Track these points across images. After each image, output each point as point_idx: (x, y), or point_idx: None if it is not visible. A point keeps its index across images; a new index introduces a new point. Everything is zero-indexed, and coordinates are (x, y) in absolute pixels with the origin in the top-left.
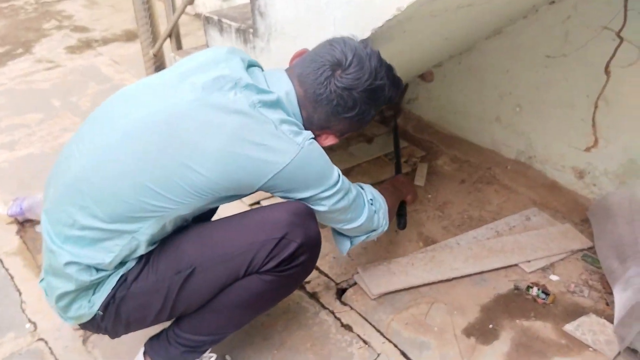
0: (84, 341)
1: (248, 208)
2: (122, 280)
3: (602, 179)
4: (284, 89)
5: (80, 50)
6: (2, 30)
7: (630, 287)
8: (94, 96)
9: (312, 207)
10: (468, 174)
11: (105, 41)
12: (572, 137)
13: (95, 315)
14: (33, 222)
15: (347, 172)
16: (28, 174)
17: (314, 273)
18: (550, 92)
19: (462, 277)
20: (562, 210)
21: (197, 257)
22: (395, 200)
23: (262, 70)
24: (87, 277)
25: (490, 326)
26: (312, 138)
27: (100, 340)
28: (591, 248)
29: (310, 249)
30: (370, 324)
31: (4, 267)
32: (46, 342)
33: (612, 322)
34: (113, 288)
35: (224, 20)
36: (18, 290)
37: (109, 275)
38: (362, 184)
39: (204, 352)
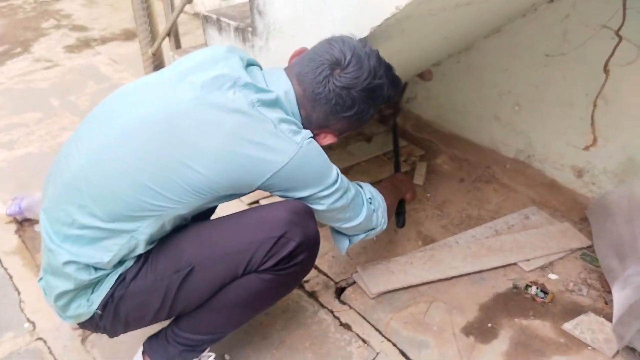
0: (83, 340)
1: (247, 207)
2: (121, 279)
3: (601, 177)
4: (283, 88)
5: (79, 50)
6: (1, 29)
7: (629, 286)
8: (93, 95)
9: (311, 206)
10: (467, 172)
11: (104, 40)
12: (571, 135)
13: (94, 314)
14: (32, 222)
15: (346, 171)
16: (27, 173)
17: (313, 272)
18: (549, 91)
19: (461, 276)
20: (561, 209)
21: (195, 256)
22: (394, 199)
23: (261, 69)
24: (86, 276)
25: (489, 325)
26: (311, 137)
27: (99, 339)
28: (590, 247)
29: (309, 247)
30: (369, 323)
31: (2, 266)
32: (45, 342)
33: (611, 320)
34: (112, 287)
35: (222, 19)
36: (17, 289)
37: (108, 274)
38: (361, 183)
39: (203, 351)
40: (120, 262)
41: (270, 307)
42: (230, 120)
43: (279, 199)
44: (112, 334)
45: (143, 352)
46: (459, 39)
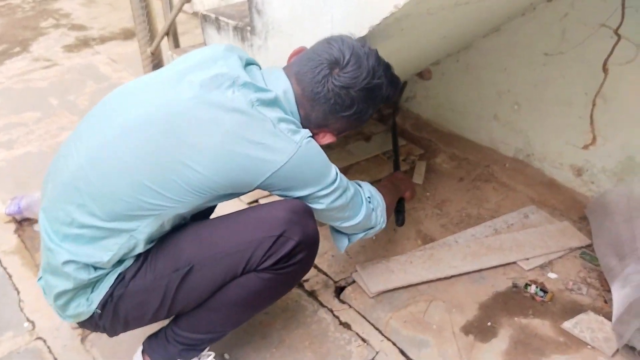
0: (83, 340)
1: (246, 206)
2: (120, 278)
3: (600, 176)
4: (282, 87)
5: (78, 49)
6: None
7: (629, 285)
8: (92, 95)
9: (310, 205)
10: (466, 171)
11: (103, 40)
12: (570, 134)
13: (93, 313)
14: (31, 221)
15: (345, 170)
16: (26, 173)
17: (313, 271)
18: (548, 90)
19: (460, 275)
20: (560, 208)
21: (195, 255)
22: (393, 198)
23: (260, 68)
24: (85, 276)
25: (489, 324)
26: (310, 136)
27: (99, 338)
28: (589, 246)
29: (308, 246)
30: (369, 322)
31: (2, 266)
32: (44, 341)
33: (610, 319)
34: (111, 286)
35: (221, 18)
36: (16, 289)
37: (107, 274)
38: (360, 182)
39: (203, 350)
40: (120, 262)
41: (269, 306)
42: (229, 120)
43: (278, 198)
44: (112, 333)
45: (143, 352)
46: (457, 38)
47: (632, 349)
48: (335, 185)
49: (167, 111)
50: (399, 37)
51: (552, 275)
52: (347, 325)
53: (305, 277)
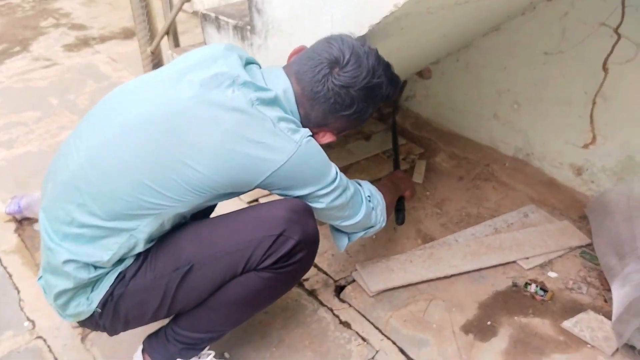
0: (83, 339)
1: (246, 205)
2: (120, 277)
3: (600, 175)
4: (282, 86)
5: (78, 48)
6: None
7: (629, 284)
8: (92, 94)
9: (310, 204)
10: (466, 170)
11: (103, 39)
12: (570, 134)
13: (93, 312)
14: (31, 220)
15: (345, 170)
16: (26, 172)
17: (313, 270)
18: (547, 89)
19: (460, 274)
20: (560, 207)
21: (195, 254)
22: (393, 197)
23: (260, 67)
24: (86, 275)
25: (489, 323)
26: (310, 136)
27: (99, 338)
28: (589, 245)
29: (308, 246)
30: (369, 321)
31: (2, 265)
32: (45, 340)
33: (610, 318)
34: (111, 285)
35: (221, 17)
36: (16, 288)
37: (107, 273)
38: (360, 181)
39: (203, 349)
40: (120, 261)
41: (269, 306)
42: (229, 119)
43: (278, 197)
44: (112, 332)
45: (143, 351)
46: (457, 37)
47: (632, 348)
48: (335, 184)
49: (167, 110)
50: (399, 36)
51: (552, 274)
52: (347, 325)
53: (305, 276)
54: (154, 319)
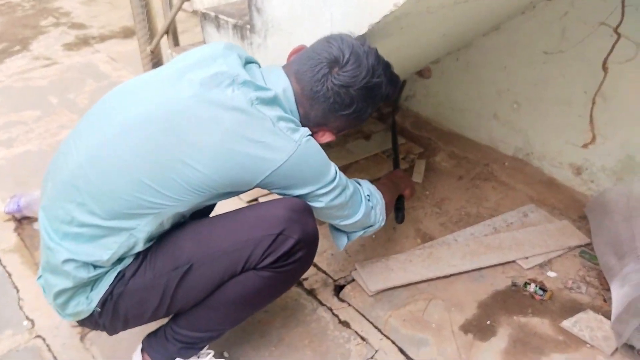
0: (82, 338)
1: (246, 205)
2: (120, 276)
3: (599, 175)
4: (282, 85)
5: (78, 47)
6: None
7: (628, 284)
8: (92, 93)
9: (310, 203)
10: (466, 170)
11: (103, 38)
12: (569, 133)
13: (93, 311)
14: (31, 220)
15: (344, 169)
16: (25, 171)
17: (312, 270)
18: (547, 89)
19: (459, 273)
20: (560, 207)
21: (194, 253)
22: (392, 196)
23: (259, 66)
24: (85, 274)
25: (488, 322)
26: (310, 135)
27: (98, 337)
28: (589, 244)
29: (308, 245)
30: (368, 320)
31: (1, 264)
32: (44, 339)
33: (609, 318)
34: (111, 284)
35: (221, 16)
36: (16, 287)
37: (107, 272)
38: (359, 180)
39: (202, 348)
40: (119, 260)
41: (269, 305)
42: (229, 118)
43: (277, 197)
44: (111, 331)
45: (142, 350)
46: (457, 36)
47: (631, 347)
48: (335, 183)
49: (167, 109)
50: (399, 36)
51: (551, 274)
52: (346, 324)
53: (304, 276)
54: (154, 318)
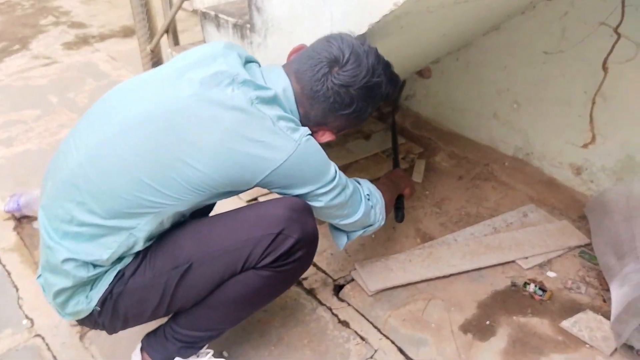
0: (82, 337)
1: (245, 204)
2: (120, 275)
3: (599, 175)
4: (281, 85)
5: (78, 47)
6: None
7: (627, 284)
8: (91, 92)
9: (309, 202)
10: (466, 170)
11: (103, 37)
12: (569, 133)
13: (92, 311)
14: (30, 219)
15: (344, 169)
16: (25, 170)
17: (311, 269)
18: (547, 89)
19: (459, 273)
20: (560, 207)
21: (194, 252)
22: (392, 195)
23: (259, 66)
24: (85, 274)
25: (487, 322)
26: (309, 134)
27: (98, 336)
28: (588, 245)
29: (308, 244)
30: (368, 320)
31: (1, 263)
32: (43, 339)
33: (609, 318)
34: (110, 284)
35: (221, 15)
36: (15, 286)
37: (106, 271)
38: (359, 179)
39: (201, 347)
40: (119, 259)
41: (268, 304)
42: (229, 117)
43: (277, 196)
44: (111, 330)
45: (141, 349)
46: (457, 36)
47: (631, 348)
48: (334, 183)
49: (167, 109)
50: (399, 35)
51: (551, 274)
52: (345, 324)
53: (304, 275)
54: (153, 317)
